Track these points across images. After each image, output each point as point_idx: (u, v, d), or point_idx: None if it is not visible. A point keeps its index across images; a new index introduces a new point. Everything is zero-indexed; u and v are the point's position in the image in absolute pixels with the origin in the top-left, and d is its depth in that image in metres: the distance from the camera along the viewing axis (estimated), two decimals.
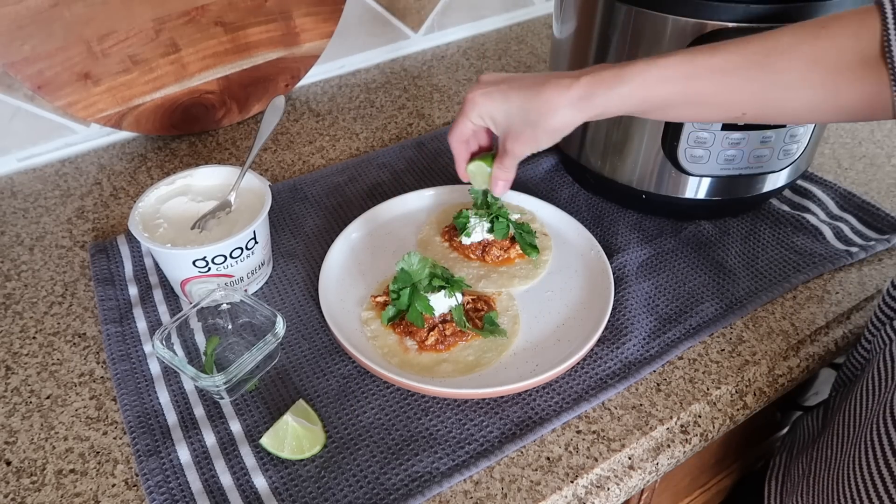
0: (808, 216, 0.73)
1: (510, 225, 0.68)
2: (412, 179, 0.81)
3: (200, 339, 0.61)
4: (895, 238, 0.70)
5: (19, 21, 0.73)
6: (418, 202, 0.76)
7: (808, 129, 0.65)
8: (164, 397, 0.57)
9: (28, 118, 0.84)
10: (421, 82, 1.02)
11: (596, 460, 0.53)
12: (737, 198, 0.70)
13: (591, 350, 0.60)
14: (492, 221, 0.68)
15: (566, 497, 0.51)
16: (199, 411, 0.56)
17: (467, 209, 0.70)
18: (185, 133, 0.90)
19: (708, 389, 0.58)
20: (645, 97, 0.49)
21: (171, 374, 0.59)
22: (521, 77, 0.54)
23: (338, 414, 0.55)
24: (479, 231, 0.68)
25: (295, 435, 0.52)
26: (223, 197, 0.66)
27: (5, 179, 0.84)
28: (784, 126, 0.63)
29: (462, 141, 0.59)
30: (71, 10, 0.75)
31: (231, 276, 0.62)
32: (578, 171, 0.78)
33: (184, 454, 0.53)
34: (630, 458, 0.54)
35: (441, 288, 0.60)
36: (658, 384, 0.58)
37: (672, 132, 0.64)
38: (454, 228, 0.71)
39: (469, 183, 0.63)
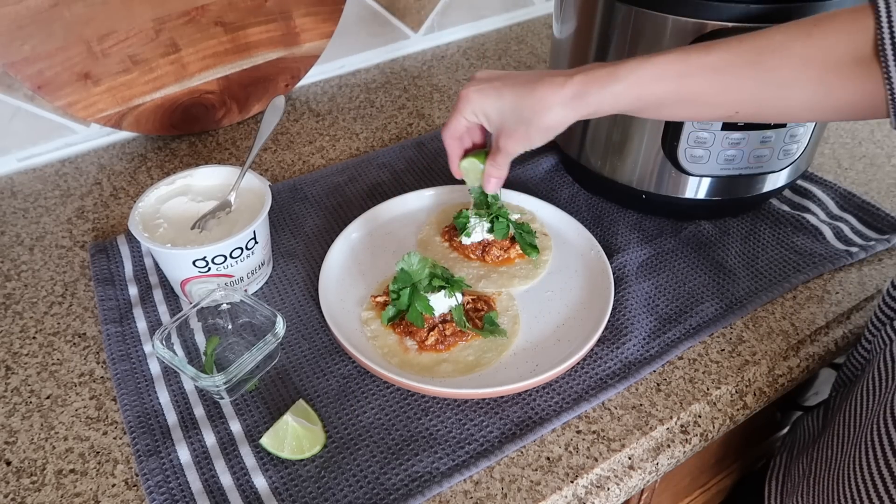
0: (808, 216, 0.73)
1: (510, 225, 0.68)
2: (412, 179, 0.81)
3: (200, 339, 0.61)
4: (895, 238, 0.70)
5: (19, 21, 0.73)
6: (418, 202, 0.76)
7: (808, 129, 0.65)
8: (164, 397, 0.57)
9: (28, 118, 0.84)
10: (421, 82, 1.02)
11: (596, 460, 0.53)
12: (737, 198, 0.70)
13: (591, 350, 0.60)
14: (492, 221, 0.68)
15: (566, 497, 0.51)
16: (199, 411, 0.56)
17: (467, 209, 0.70)
18: (185, 133, 0.90)
19: (708, 389, 0.58)
20: (638, 95, 0.49)
21: (171, 374, 0.59)
22: (515, 74, 0.54)
23: (338, 414, 0.55)
24: (479, 231, 0.68)
25: (295, 435, 0.52)
26: (223, 197, 0.66)
27: (5, 179, 0.84)
28: (784, 126, 0.63)
29: (455, 137, 0.59)
30: (71, 10, 0.75)
31: (231, 276, 0.62)
32: (578, 171, 0.78)
33: (184, 454, 0.53)
34: (630, 458, 0.54)
35: (441, 288, 0.60)
36: (658, 384, 0.58)
37: (672, 132, 0.64)
38: (454, 228, 0.71)
39: (463, 180, 0.63)
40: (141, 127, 0.87)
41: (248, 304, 0.59)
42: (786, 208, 0.75)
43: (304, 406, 0.55)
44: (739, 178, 0.67)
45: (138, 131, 0.87)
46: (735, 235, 0.72)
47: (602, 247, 0.68)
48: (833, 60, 0.43)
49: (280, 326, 0.56)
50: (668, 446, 0.55)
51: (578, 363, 0.59)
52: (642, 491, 0.68)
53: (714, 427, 0.57)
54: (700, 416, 0.57)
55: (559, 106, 0.51)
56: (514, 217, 0.70)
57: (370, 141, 0.90)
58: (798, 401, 0.81)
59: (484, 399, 0.56)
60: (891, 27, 0.41)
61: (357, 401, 0.56)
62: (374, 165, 0.83)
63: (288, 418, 0.52)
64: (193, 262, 0.59)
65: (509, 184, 0.77)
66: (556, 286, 0.66)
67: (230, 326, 0.61)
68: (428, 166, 0.83)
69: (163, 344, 0.54)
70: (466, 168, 0.61)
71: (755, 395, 0.59)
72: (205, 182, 0.67)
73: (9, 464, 0.53)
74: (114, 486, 0.52)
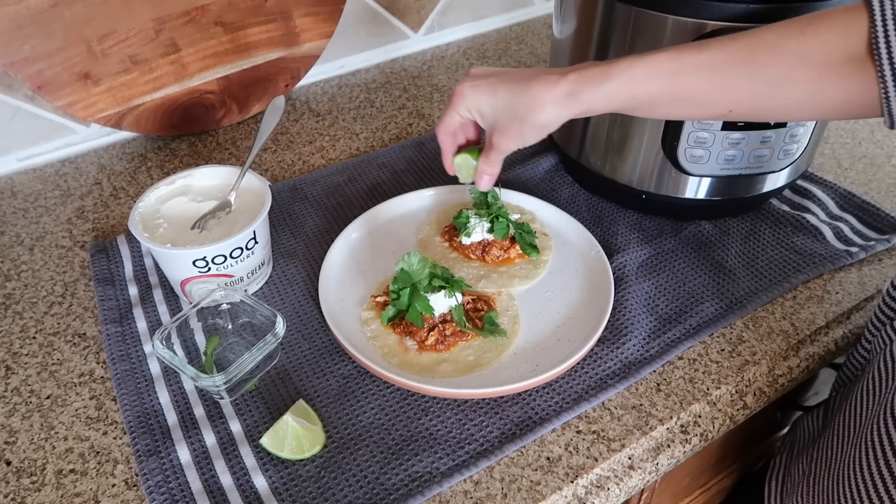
0: (808, 216, 0.73)
1: (510, 225, 0.68)
2: (412, 179, 0.81)
3: (200, 339, 0.61)
4: (895, 238, 0.70)
5: (19, 21, 0.73)
6: (418, 202, 0.76)
7: (808, 128, 0.65)
8: (164, 397, 0.57)
9: (28, 118, 0.84)
10: (421, 82, 1.02)
11: (596, 460, 0.53)
12: (737, 198, 0.70)
13: (591, 350, 0.60)
14: (492, 221, 0.68)
15: (566, 497, 0.51)
16: (199, 411, 0.56)
17: (467, 209, 0.70)
18: (185, 133, 0.90)
19: (708, 389, 0.58)
20: (631, 94, 0.49)
21: (171, 374, 0.59)
22: (510, 72, 0.54)
23: (338, 414, 0.55)
24: (479, 231, 0.68)
25: (295, 435, 0.52)
26: (223, 197, 0.66)
27: (5, 179, 0.84)
28: (784, 126, 0.63)
29: (449, 133, 0.59)
30: (71, 10, 0.75)
31: (231, 276, 0.62)
32: (578, 171, 0.78)
33: (184, 454, 0.53)
34: (630, 458, 0.54)
35: (441, 288, 0.60)
36: (658, 384, 0.58)
37: (672, 132, 0.64)
38: (454, 228, 0.71)
39: (456, 176, 0.62)
40: (141, 127, 0.87)
41: (248, 304, 0.59)
42: (786, 208, 0.75)
43: (304, 406, 0.55)
44: (739, 178, 0.67)
45: (138, 131, 0.87)
46: (735, 235, 0.72)
47: (602, 247, 0.68)
48: (827, 59, 0.44)
49: (280, 326, 0.56)
50: (668, 446, 0.55)
51: (578, 363, 0.59)
52: (642, 491, 0.68)
53: (714, 427, 0.57)
54: (700, 416, 0.57)
55: (552, 104, 0.51)
56: (514, 217, 0.70)
57: (370, 141, 0.90)
58: (798, 401, 0.81)
59: (484, 399, 0.56)
60: (885, 25, 0.41)
61: (357, 401, 0.56)
62: (374, 165, 0.83)
63: (288, 418, 0.52)
64: (193, 262, 0.59)
65: (509, 184, 0.78)
66: (556, 286, 0.66)
67: (230, 326, 0.61)
68: (428, 166, 0.83)
69: (163, 344, 0.54)
70: (459, 164, 0.61)
71: (755, 395, 0.59)
72: (205, 182, 0.67)
73: (9, 464, 0.53)
74: (114, 486, 0.52)
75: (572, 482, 0.51)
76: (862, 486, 0.46)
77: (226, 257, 0.60)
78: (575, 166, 0.77)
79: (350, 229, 0.71)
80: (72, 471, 0.53)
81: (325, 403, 0.56)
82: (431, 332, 0.59)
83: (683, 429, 0.56)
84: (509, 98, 0.52)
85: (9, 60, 0.74)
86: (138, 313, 0.64)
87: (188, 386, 0.58)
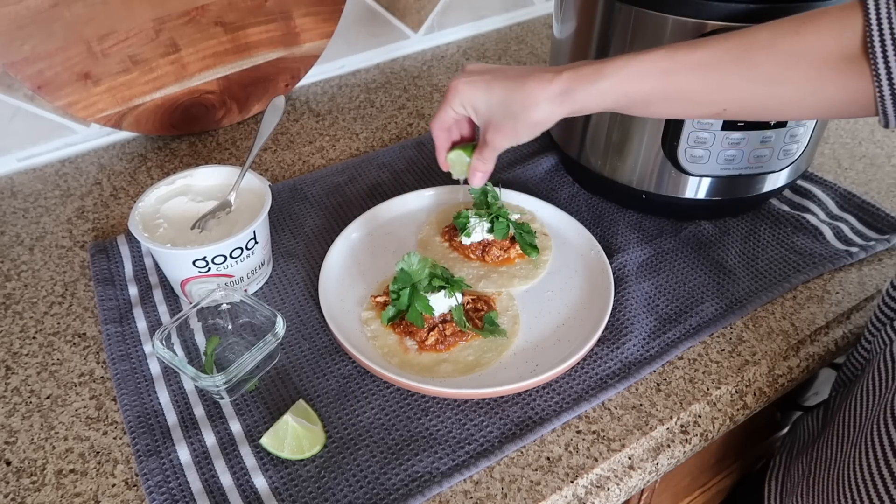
0: (808, 216, 0.73)
1: (510, 225, 0.68)
2: (412, 179, 0.81)
3: (200, 339, 0.61)
4: (895, 238, 0.70)
5: (19, 21, 0.73)
6: (418, 202, 0.76)
7: (808, 128, 0.65)
8: (164, 397, 0.57)
9: (28, 118, 0.84)
10: (421, 82, 1.02)
11: (596, 460, 0.53)
12: (737, 198, 0.70)
13: (591, 350, 0.60)
14: (492, 221, 0.68)
15: (566, 497, 0.51)
16: (199, 411, 0.56)
17: (467, 209, 0.70)
18: (185, 133, 0.90)
19: (708, 389, 0.58)
20: (625, 92, 0.49)
21: (171, 374, 0.59)
22: (505, 69, 0.54)
23: (338, 414, 0.55)
24: (479, 231, 0.68)
25: (295, 435, 0.52)
26: (223, 197, 0.66)
27: (5, 179, 0.84)
28: (784, 126, 0.63)
29: (444, 129, 0.59)
30: (71, 10, 0.75)
31: (231, 276, 0.62)
32: (578, 171, 0.78)
33: (184, 454, 0.53)
34: (630, 458, 0.54)
35: (441, 288, 0.60)
36: (658, 384, 0.58)
37: (672, 132, 0.64)
38: (454, 228, 0.71)
39: (449, 172, 0.62)
40: (141, 127, 0.87)
41: (248, 304, 0.59)
42: (786, 208, 0.75)
43: (304, 406, 0.55)
44: (739, 178, 0.67)
45: (138, 131, 0.87)
46: (735, 235, 0.72)
47: (602, 247, 0.68)
48: (821, 57, 0.44)
49: (280, 326, 0.56)
50: (668, 446, 0.55)
51: (578, 363, 0.59)
52: (642, 491, 0.68)
53: (714, 427, 0.57)
54: (700, 416, 0.57)
55: (546, 102, 0.51)
56: (514, 217, 0.70)
57: (370, 141, 0.90)
58: (798, 401, 0.81)
59: (484, 399, 0.56)
60: (879, 24, 0.41)
61: (357, 401, 0.56)
62: (374, 165, 0.83)
63: (288, 418, 0.52)
64: (193, 262, 0.59)
65: (509, 184, 0.78)
66: (556, 286, 0.66)
67: (230, 326, 0.61)
68: (428, 166, 0.83)
69: (163, 344, 0.54)
70: (453, 160, 0.61)
71: (755, 395, 0.59)
72: (205, 182, 0.67)
73: (9, 464, 0.53)
74: (114, 486, 0.52)
75: (572, 482, 0.51)
76: (862, 486, 0.46)
77: (226, 257, 0.60)
78: (575, 166, 0.77)
79: (350, 229, 0.71)
80: (72, 471, 0.53)
81: (325, 403, 0.56)
82: (431, 332, 0.59)
83: (683, 429, 0.56)
84: (504, 95, 0.52)
85: (9, 60, 0.74)
86: (138, 313, 0.64)
87: (188, 386, 0.58)
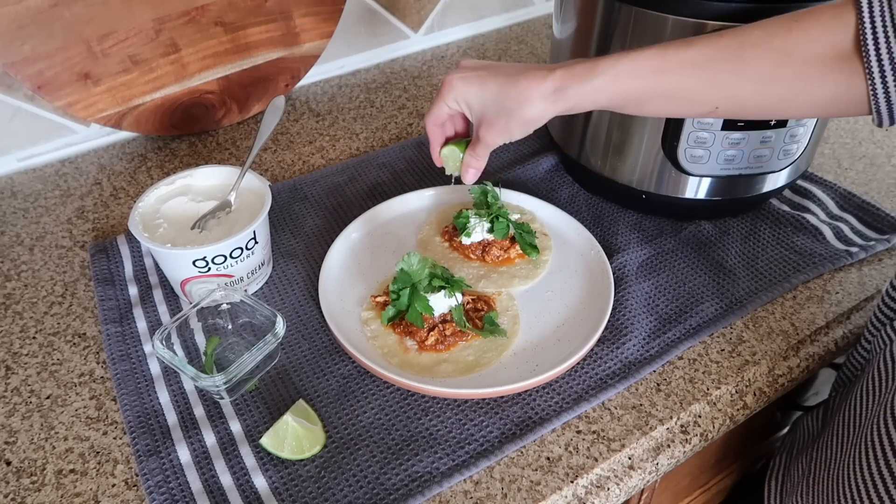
0: (808, 216, 0.73)
1: (510, 225, 0.68)
2: (412, 179, 0.81)
3: (200, 339, 0.61)
4: (895, 238, 0.70)
5: (19, 21, 0.73)
6: (418, 202, 0.76)
7: (807, 128, 0.65)
8: (164, 397, 0.57)
9: (28, 118, 0.84)
10: (421, 82, 1.02)
11: (596, 460, 0.53)
12: (737, 198, 0.70)
13: (591, 350, 0.60)
14: (492, 221, 0.68)
15: (566, 497, 0.51)
16: (199, 411, 0.56)
17: (467, 209, 0.70)
18: (185, 133, 0.90)
19: (708, 389, 0.58)
20: (617, 91, 0.49)
21: (171, 374, 0.59)
22: (500, 66, 0.54)
23: (338, 414, 0.55)
24: (479, 231, 0.68)
25: (295, 435, 0.52)
26: (223, 197, 0.66)
27: (5, 179, 0.84)
28: (784, 126, 0.63)
29: (438, 124, 0.59)
30: (71, 10, 0.75)
31: (231, 276, 0.62)
32: (578, 171, 0.78)
33: (184, 454, 0.53)
34: (630, 458, 0.54)
35: (441, 288, 0.60)
36: (658, 384, 0.58)
37: (672, 132, 0.64)
38: (454, 228, 0.71)
39: (443, 168, 0.62)
40: (141, 127, 0.87)
41: (248, 304, 0.59)
42: (786, 208, 0.75)
43: (304, 406, 0.55)
44: (739, 178, 0.67)
45: (138, 131, 0.87)
46: (735, 235, 0.72)
47: (602, 247, 0.68)
48: (813, 55, 0.44)
49: (280, 326, 0.56)
50: (668, 446, 0.55)
51: (578, 363, 0.59)
52: (642, 491, 0.68)
53: (714, 427, 0.57)
54: (700, 416, 0.57)
55: (539, 100, 0.51)
56: (514, 217, 0.70)
57: (370, 141, 0.90)
58: (798, 401, 0.81)
59: (484, 399, 0.56)
60: (872, 23, 0.41)
61: (357, 401, 0.56)
62: (374, 165, 0.83)
63: (288, 418, 0.52)
64: (193, 262, 0.59)
65: (509, 184, 0.78)
66: (556, 286, 0.66)
67: (230, 326, 0.61)
68: (428, 166, 0.83)
69: (163, 344, 0.54)
70: (446, 156, 0.61)
71: (755, 395, 0.59)
72: (205, 182, 0.67)
73: (9, 464, 0.53)
74: (114, 486, 0.52)
75: (572, 482, 0.51)
76: (861, 486, 0.46)
77: (226, 257, 0.60)
78: (575, 166, 0.77)
79: (350, 229, 0.71)
80: (72, 471, 0.53)
81: (325, 403, 0.56)
82: (431, 332, 0.59)
83: (683, 429, 0.56)
84: (498, 92, 0.52)
85: (9, 60, 0.74)
86: (138, 313, 0.64)
87: (188, 386, 0.58)
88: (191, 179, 0.67)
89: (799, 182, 0.78)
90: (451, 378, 0.57)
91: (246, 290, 0.65)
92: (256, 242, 0.62)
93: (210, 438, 0.54)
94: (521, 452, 0.53)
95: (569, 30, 0.69)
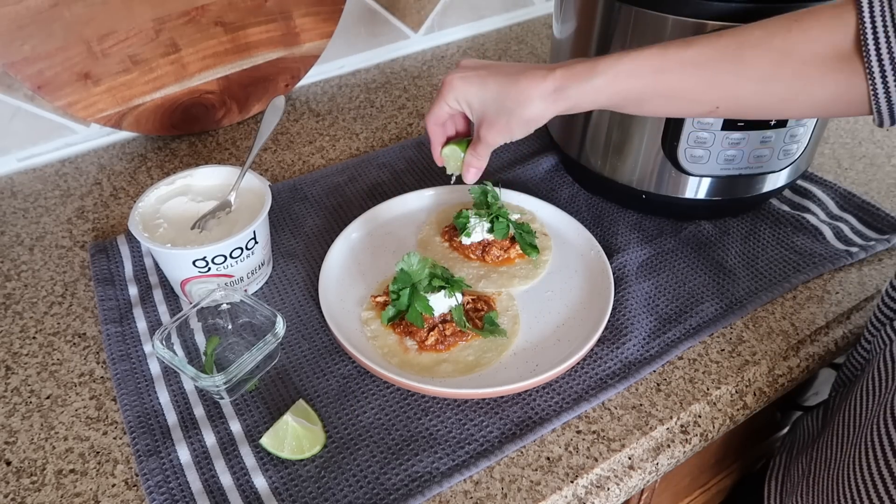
0: (808, 216, 0.73)
1: (510, 225, 0.68)
2: (412, 179, 0.81)
3: (200, 339, 0.61)
4: (895, 238, 0.70)
5: (19, 21, 0.73)
6: (418, 202, 0.76)
7: (807, 128, 0.65)
8: (164, 397, 0.57)
9: (28, 118, 0.84)
10: (421, 82, 1.02)
11: (596, 460, 0.53)
12: (737, 198, 0.70)
13: (591, 350, 0.60)
14: (492, 221, 0.68)
15: (566, 497, 0.51)
16: (199, 411, 0.56)
17: (467, 209, 0.70)
18: (185, 133, 0.90)
19: (708, 389, 0.58)
20: (617, 90, 0.49)
21: (171, 374, 0.59)
22: (500, 65, 0.54)
23: (338, 414, 0.55)
24: (479, 231, 0.68)
25: (295, 435, 0.52)
26: (223, 197, 0.66)
27: (5, 179, 0.84)
28: (784, 126, 0.63)
29: (438, 124, 0.59)
30: (71, 10, 0.75)
31: (231, 276, 0.62)
32: (578, 171, 0.78)
33: (184, 454, 0.53)
34: (630, 458, 0.54)
35: (441, 288, 0.60)
36: (658, 384, 0.58)
37: (672, 132, 0.64)
38: (454, 228, 0.71)
39: (444, 167, 0.62)
40: (141, 127, 0.87)
41: (248, 304, 0.59)
42: (786, 208, 0.75)
43: (304, 406, 0.55)
44: (739, 178, 0.67)
45: (138, 131, 0.87)
46: (735, 235, 0.72)
47: (602, 247, 0.68)
48: (813, 55, 0.44)
49: (280, 326, 0.56)
50: (668, 446, 0.55)
51: (578, 363, 0.59)
52: (642, 491, 0.68)
53: (714, 427, 0.57)
54: (700, 416, 0.57)
55: (539, 99, 0.51)
56: (514, 217, 0.70)
57: (370, 141, 0.90)
58: (798, 401, 0.81)
59: (484, 399, 0.56)
60: (873, 23, 0.41)
61: (357, 401, 0.56)
62: (374, 165, 0.83)
63: (288, 418, 0.52)
64: (193, 262, 0.59)
65: (509, 184, 0.78)
66: (556, 286, 0.66)
67: (230, 326, 0.61)
68: (428, 166, 0.83)
69: (163, 344, 0.54)
70: (447, 155, 0.61)
71: (755, 395, 0.59)
72: (205, 182, 0.67)
73: (9, 464, 0.53)
74: (114, 486, 0.52)
75: (572, 482, 0.51)
76: (861, 486, 0.46)
77: (226, 257, 0.60)
78: (575, 166, 0.77)
79: (350, 229, 0.71)
80: (72, 471, 0.53)
81: (325, 403, 0.56)
82: (431, 332, 0.59)
83: (683, 429, 0.56)
84: (498, 91, 0.52)
85: (9, 60, 0.74)
86: (138, 313, 0.64)
87: (188, 386, 0.58)
88: (191, 179, 0.67)
89: (799, 182, 0.78)
90: (451, 378, 0.57)
91: (246, 290, 0.65)
92: (256, 242, 0.62)
93: (210, 438, 0.54)
94: (521, 452, 0.53)
95: (569, 30, 0.69)
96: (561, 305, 0.64)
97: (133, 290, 0.67)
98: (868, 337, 0.56)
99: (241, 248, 0.61)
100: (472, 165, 0.58)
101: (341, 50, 1.03)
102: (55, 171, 0.86)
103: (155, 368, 0.59)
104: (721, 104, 0.48)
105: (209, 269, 0.60)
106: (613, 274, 0.65)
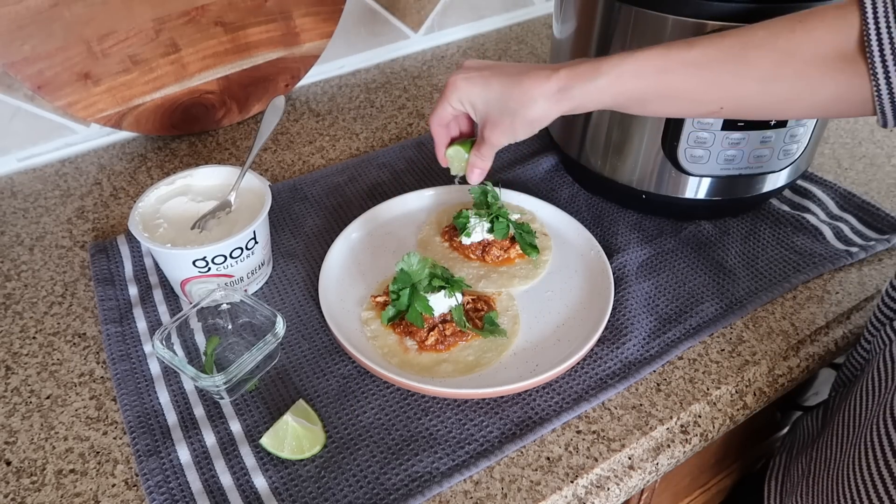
0: (808, 216, 0.73)
1: (510, 225, 0.68)
2: (412, 179, 0.81)
3: (200, 339, 0.61)
4: (895, 238, 0.70)
5: (19, 21, 0.73)
6: (418, 202, 0.76)
7: (807, 128, 0.65)
8: (164, 397, 0.57)
9: (28, 118, 0.84)
10: (421, 82, 1.02)
11: (596, 460, 0.53)
12: (737, 198, 0.70)
13: (591, 350, 0.60)
14: (492, 221, 0.68)
15: (566, 497, 0.51)
16: (199, 411, 0.56)
17: (467, 209, 0.70)
18: (185, 133, 0.90)
19: (708, 389, 0.58)
20: (620, 91, 0.49)
21: (171, 374, 0.59)
22: (503, 65, 0.54)
23: (338, 414, 0.55)
24: (479, 231, 0.68)
25: (295, 435, 0.52)
26: (223, 197, 0.66)
27: (5, 179, 0.84)
28: (784, 126, 0.63)
29: (442, 124, 0.59)
30: (71, 10, 0.75)
31: (231, 276, 0.62)
32: (578, 171, 0.78)
33: (184, 454, 0.53)
34: (630, 458, 0.54)
35: (441, 288, 0.60)
36: (658, 384, 0.58)
37: (672, 132, 0.64)
38: (454, 228, 0.71)
39: (448, 168, 0.62)
40: (141, 127, 0.87)
41: (248, 304, 0.59)
42: (786, 208, 0.75)
43: (304, 406, 0.55)
44: (739, 178, 0.67)
45: (138, 131, 0.87)
46: (735, 235, 0.72)
47: (602, 247, 0.68)
48: (816, 56, 0.44)
49: (280, 326, 0.56)
50: (668, 446, 0.55)
51: (578, 363, 0.59)
52: (642, 491, 0.68)
53: (714, 427, 0.57)
54: (700, 416, 0.57)
55: (543, 99, 0.51)
56: (514, 217, 0.70)
57: (370, 141, 0.90)
58: (798, 401, 0.81)
59: (484, 399, 0.56)
60: (877, 23, 0.41)
61: (357, 401, 0.56)
62: (374, 165, 0.83)
63: (288, 418, 0.52)
64: (193, 262, 0.59)
65: (509, 184, 0.78)
66: (556, 286, 0.66)
67: (230, 326, 0.61)
68: (428, 166, 0.83)
69: (163, 344, 0.54)
70: (451, 156, 0.61)
71: (755, 395, 0.59)
72: (205, 182, 0.67)
73: (9, 464, 0.53)
74: (114, 486, 0.52)
75: (572, 482, 0.51)
76: (861, 487, 0.46)
77: (226, 257, 0.60)
78: (575, 166, 0.77)
79: (350, 229, 0.71)
80: (72, 471, 0.53)
81: (325, 403, 0.56)
82: (431, 332, 0.59)
83: (683, 429, 0.56)
84: (501, 92, 0.52)
85: (9, 60, 0.74)
86: (138, 313, 0.64)
87: (188, 386, 0.58)
88: (191, 179, 0.67)
89: (799, 182, 0.78)
90: (451, 378, 0.57)
91: (246, 290, 0.65)
92: (256, 242, 0.62)
93: (210, 438, 0.54)
94: (521, 452, 0.53)
95: (569, 30, 0.69)
96: (561, 305, 0.64)
97: (133, 290, 0.67)
98: (868, 337, 0.56)
99: (241, 248, 0.61)
100: (477, 166, 0.58)
101: (341, 50, 1.03)
102: (55, 171, 0.86)
103: (155, 368, 0.59)
104: (724, 105, 0.48)
105: (209, 269, 0.60)
106: (613, 274, 0.65)
